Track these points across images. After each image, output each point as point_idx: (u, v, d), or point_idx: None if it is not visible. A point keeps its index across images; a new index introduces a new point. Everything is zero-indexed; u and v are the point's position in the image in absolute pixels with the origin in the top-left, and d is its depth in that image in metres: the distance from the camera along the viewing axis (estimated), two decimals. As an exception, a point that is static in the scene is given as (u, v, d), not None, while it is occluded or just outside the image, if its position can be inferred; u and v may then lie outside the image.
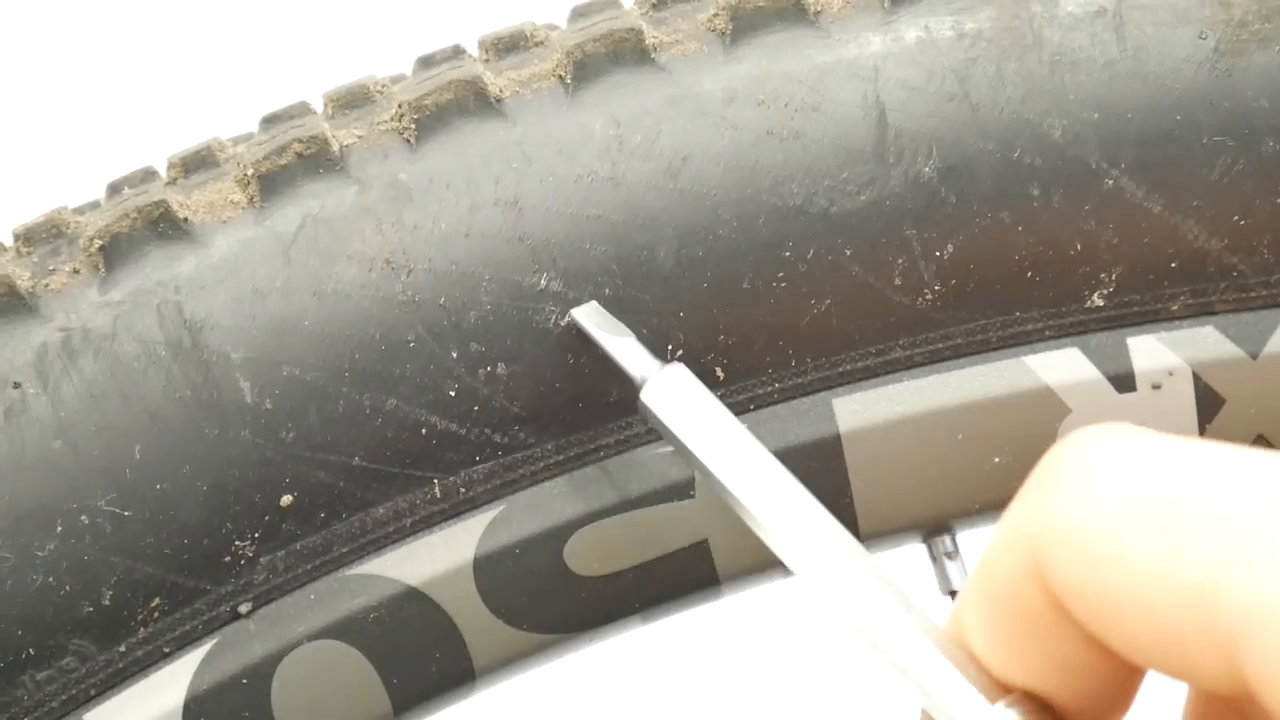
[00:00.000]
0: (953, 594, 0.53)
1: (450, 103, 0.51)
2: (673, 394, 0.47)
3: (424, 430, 0.49)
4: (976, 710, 0.37)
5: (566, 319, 0.49)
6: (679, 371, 0.48)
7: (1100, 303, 0.51)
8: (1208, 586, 0.32)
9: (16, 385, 0.49)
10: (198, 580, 0.49)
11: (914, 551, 0.54)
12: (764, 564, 0.52)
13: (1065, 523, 0.34)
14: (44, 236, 0.51)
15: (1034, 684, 0.36)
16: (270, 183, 0.50)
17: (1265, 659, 0.31)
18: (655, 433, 0.50)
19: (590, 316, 0.49)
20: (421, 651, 0.50)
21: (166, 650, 0.49)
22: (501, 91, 0.52)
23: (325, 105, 0.53)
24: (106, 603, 0.48)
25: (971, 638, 0.37)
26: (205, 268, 0.50)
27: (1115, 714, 0.37)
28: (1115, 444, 0.34)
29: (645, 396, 0.47)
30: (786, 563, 0.44)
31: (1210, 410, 0.51)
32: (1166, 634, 0.33)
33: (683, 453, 0.47)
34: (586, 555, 0.50)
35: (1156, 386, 0.51)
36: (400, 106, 0.52)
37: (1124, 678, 0.36)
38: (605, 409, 0.50)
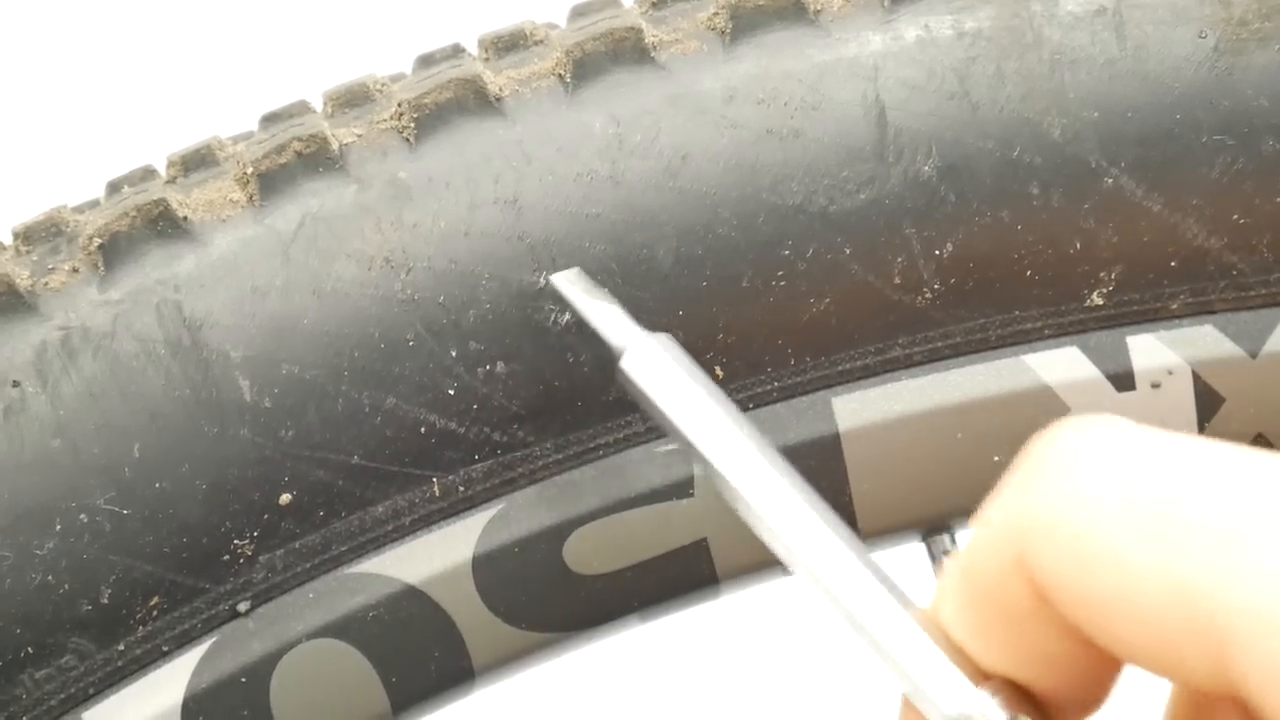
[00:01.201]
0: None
1: (450, 101, 0.51)
2: (655, 363, 0.46)
3: (423, 429, 0.49)
4: (958, 695, 0.37)
5: (545, 283, 0.48)
6: (664, 341, 0.46)
7: (1100, 301, 0.51)
8: (1200, 588, 0.32)
9: (16, 384, 0.49)
10: (197, 579, 0.49)
11: (913, 550, 0.54)
12: (763, 563, 0.52)
13: (1053, 518, 0.34)
14: (43, 235, 0.51)
15: (1013, 672, 0.36)
16: (270, 181, 0.50)
17: (1257, 664, 0.31)
18: (655, 431, 0.50)
19: (572, 282, 0.48)
20: (420, 650, 0.50)
21: (165, 649, 0.49)
22: (501, 90, 0.52)
23: (325, 104, 0.53)
24: (105, 601, 0.48)
25: (951, 624, 0.37)
26: (205, 266, 0.50)
27: (1094, 703, 0.37)
28: (1104, 437, 0.34)
29: (625, 364, 0.46)
30: (765, 538, 0.43)
31: (1210, 409, 0.51)
32: (1155, 633, 0.33)
33: (662, 423, 0.45)
34: (585, 554, 0.50)
35: (1156, 385, 0.51)
36: (400, 105, 0.52)
37: (1104, 669, 0.36)
38: (604, 407, 0.50)
